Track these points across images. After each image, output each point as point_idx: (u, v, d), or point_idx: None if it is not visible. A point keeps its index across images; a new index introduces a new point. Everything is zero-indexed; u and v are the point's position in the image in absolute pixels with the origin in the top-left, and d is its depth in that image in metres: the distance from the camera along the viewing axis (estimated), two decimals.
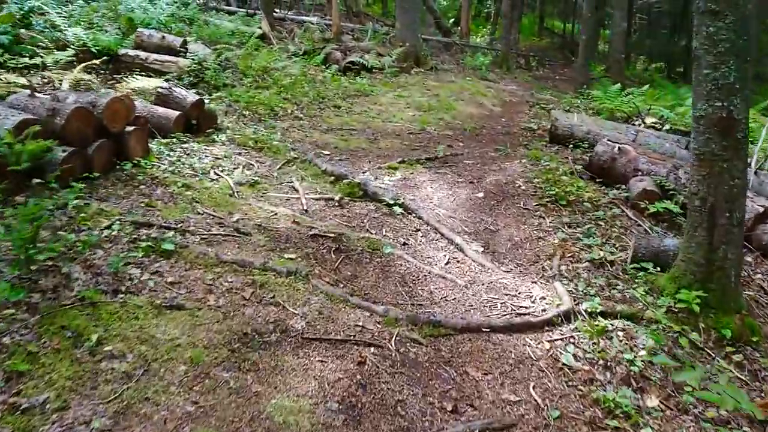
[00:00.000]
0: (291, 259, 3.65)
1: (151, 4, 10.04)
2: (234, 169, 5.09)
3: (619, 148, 5.74)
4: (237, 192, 4.58)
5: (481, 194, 5.28)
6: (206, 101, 6.12)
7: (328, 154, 5.88)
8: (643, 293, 3.75)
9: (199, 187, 4.45)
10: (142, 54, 7.34)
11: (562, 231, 4.63)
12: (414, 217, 4.65)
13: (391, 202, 4.73)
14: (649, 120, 8.83)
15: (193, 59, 7.44)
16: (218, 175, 4.86)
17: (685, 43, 26.48)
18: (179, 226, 3.72)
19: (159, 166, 4.59)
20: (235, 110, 6.72)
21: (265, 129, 6.28)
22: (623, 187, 5.52)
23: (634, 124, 9.17)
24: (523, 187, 5.41)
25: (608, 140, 5.88)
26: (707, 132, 3.47)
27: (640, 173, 5.54)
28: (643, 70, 25.54)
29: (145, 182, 4.26)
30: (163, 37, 7.92)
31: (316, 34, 13.78)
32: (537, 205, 5.08)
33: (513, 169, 5.88)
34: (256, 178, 4.91)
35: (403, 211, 4.67)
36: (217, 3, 14.35)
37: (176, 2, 12.01)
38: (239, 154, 5.45)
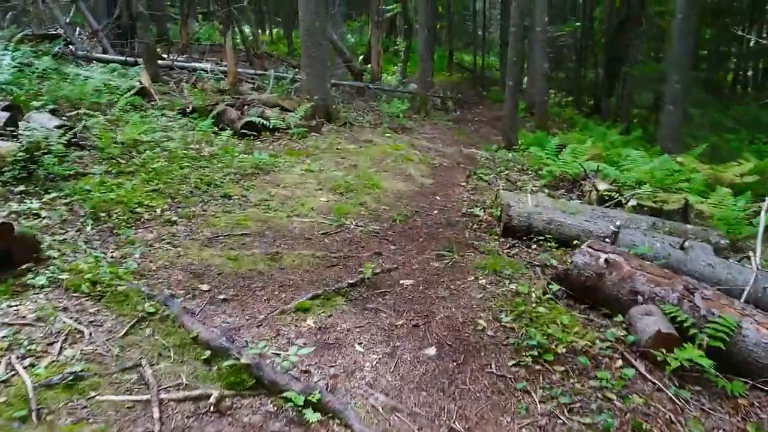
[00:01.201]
0: None
1: None
2: (47, 347, 3.16)
3: (606, 260, 4.25)
4: (37, 410, 2.66)
5: (432, 350, 3.59)
6: (18, 223, 4.15)
7: (207, 291, 4.03)
8: None
9: None
10: None
11: (563, 421, 3.02)
12: (338, 425, 2.88)
13: (301, 398, 2.95)
14: (601, 186, 7.53)
15: (23, 141, 5.41)
16: (12, 368, 2.93)
17: (593, 76, 26.48)
18: None
19: None
20: (78, 218, 4.76)
21: (115, 251, 4.35)
22: (621, 317, 4.02)
23: (583, 189, 7.89)
24: (490, 332, 3.77)
25: (589, 248, 4.37)
26: None
27: (640, 297, 4.05)
28: (555, 104, 25.02)
29: None
30: None
31: (209, 84, 11.88)
32: (515, 366, 3.45)
33: (469, 293, 4.25)
34: (81, 367, 3.00)
35: (320, 417, 2.89)
36: (89, 50, 12.12)
37: (31, 52, 9.81)
38: (64, 310, 3.51)
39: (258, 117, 9.36)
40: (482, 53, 29.18)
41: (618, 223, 4.94)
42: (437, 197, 6.74)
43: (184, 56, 15.02)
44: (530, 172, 8.77)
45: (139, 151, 6.46)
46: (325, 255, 4.79)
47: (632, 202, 6.34)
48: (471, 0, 40.17)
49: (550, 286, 4.34)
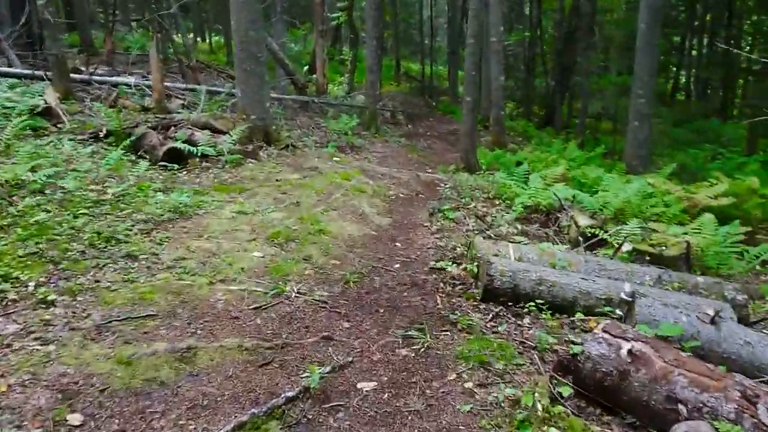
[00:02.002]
0: None
1: None
2: None
3: (630, 351, 3.18)
4: None
5: None
6: None
7: (79, 427, 2.75)
8: None
9: None
10: None
11: None
12: None
13: None
14: (582, 221, 6.56)
15: None
16: None
17: (544, 85, 25.97)
18: None
19: None
20: None
21: None
22: None
23: (560, 224, 6.89)
24: None
25: (606, 332, 3.30)
26: None
27: (682, 407, 3.00)
28: (507, 116, 24.38)
29: None
30: None
31: (132, 101, 10.42)
32: None
33: (452, 404, 3.11)
34: None
35: None
36: None
37: None
38: None
39: (184, 142, 8.03)
40: (430, 62, 28.31)
41: (629, 289, 3.89)
42: (397, 243, 5.58)
43: (108, 68, 13.42)
44: (498, 202, 7.74)
45: (22, 196, 5.07)
46: (256, 346, 3.56)
47: (626, 247, 5.35)
48: (417, 8, 39.50)
49: (558, 388, 3.24)
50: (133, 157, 7.59)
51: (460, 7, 26.01)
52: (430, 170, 11.12)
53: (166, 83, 11.90)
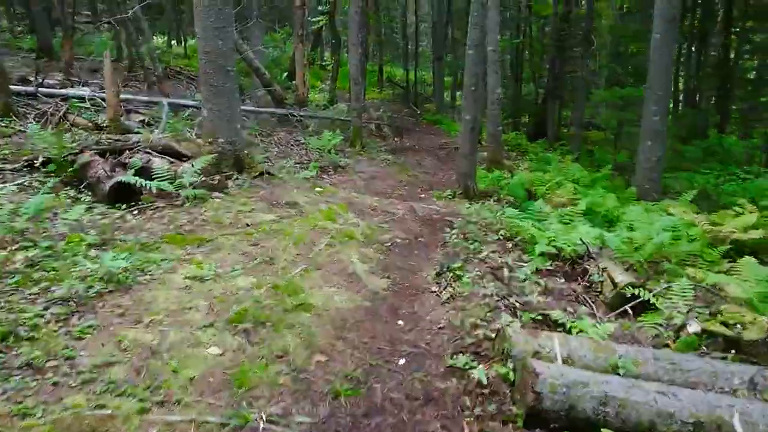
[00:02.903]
0: None
1: None
2: None
3: None
4: None
5: None
6: None
7: None
8: None
9: None
10: None
11: None
12: None
13: None
14: (618, 275, 5.38)
15: None
16: None
17: (533, 94, 24.91)
18: None
19: None
20: None
21: None
22: None
23: (590, 277, 5.69)
24: None
25: None
26: None
27: None
28: None
29: None
30: None
31: (84, 117, 9.03)
32: None
33: None
34: None
35: None
36: None
37: None
38: None
39: (138, 171, 6.69)
40: (414, 68, 27.08)
41: (738, 422, 2.68)
42: (400, 321, 4.30)
43: (63, 77, 11.94)
44: (510, 245, 6.51)
45: None
46: None
47: (694, 327, 4.14)
48: (399, 12, 38.29)
49: None
50: (73, 193, 6.25)
51: (445, 11, 24.83)
52: (423, 195, 9.88)
53: (126, 95, 10.51)
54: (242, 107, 11.81)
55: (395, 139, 14.98)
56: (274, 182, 7.65)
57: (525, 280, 5.47)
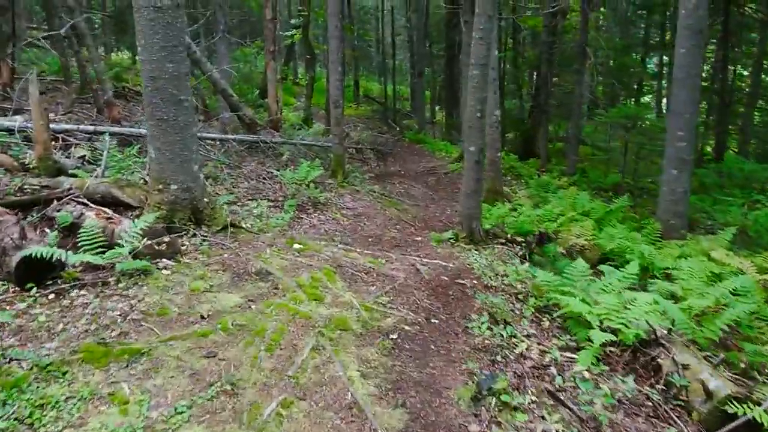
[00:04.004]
0: None
1: None
2: None
3: None
4: None
5: None
6: None
7: None
8: None
9: None
10: None
11: None
12: None
13: None
14: (711, 382, 3.95)
15: None
16: None
17: (516, 108, 23.67)
18: None
19: None
20: None
21: None
22: None
23: (671, 379, 4.25)
24: None
25: None
26: None
27: None
28: None
29: None
30: None
31: (10, 154, 7.39)
32: None
33: None
34: None
35: None
36: None
37: None
38: None
39: (65, 229, 5.11)
40: (393, 83, 25.70)
41: None
42: None
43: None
44: (546, 322, 5.04)
45: None
46: None
47: None
48: (373, 25, 36.98)
49: None
50: None
51: (422, 24, 23.47)
52: (419, 237, 8.37)
53: (67, 125, 8.83)
54: (207, 134, 10.20)
55: (379, 163, 13.48)
56: (242, 238, 6.06)
57: (581, 381, 4.01)
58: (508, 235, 8.41)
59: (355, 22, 28.34)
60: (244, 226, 6.57)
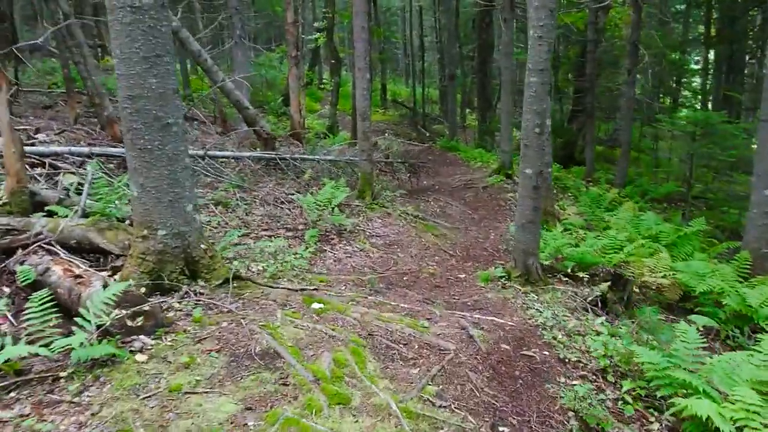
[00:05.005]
0: None
1: None
2: None
3: None
4: None
5: None
6: None
7: None
8: None
9: None
10: None
11: None
12: None
13: None
14: None
15: None
16: None
17: (557, 112, 22.11)
18: None
19: None
20: None
21: None
22: None
23: None
24: None
25: None
26: None
27: None
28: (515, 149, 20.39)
29: None
30: None
31: None
32: None
33: None
34: None
35: None
36: None
37: None
38: None
39: (28, 286, 3.92)
40: (422, 86, 24.32)
41: None
42: None
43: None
44: (653, 420, 3.64)
45: None
46: None
47: None
48: (399, 26, 35.64)
49: None
50: None
51: (453, 24, 21.99)
52: (463, 275, 7.02)
53: (58, 147, 7.69)
54: (218, 153, 8.99)
55: (411, 178, 12.13)
56: (247, 295, 4.78)
57: None
58: (569, 269, 7.01)
59: (381, 24, 27.05)
60: (251, 275, 5.30)
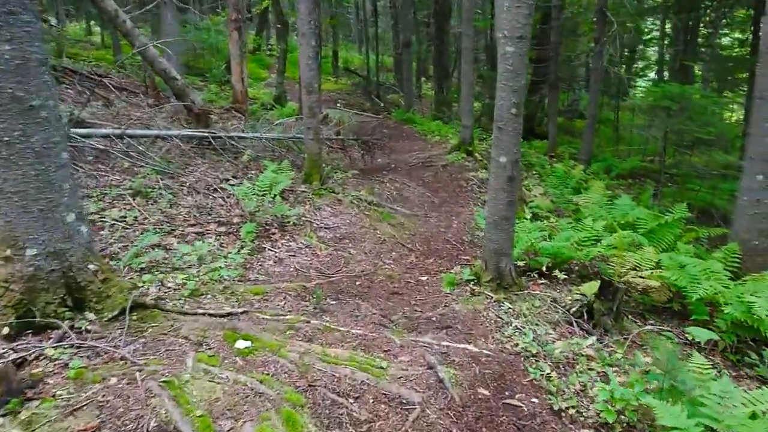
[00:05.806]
0: None
1: None
2: None
3: None
4: None
5: None
6: None
7: None
8: None
9: None
10: None
11: None
12: None
13: None
14: None
15: None
16: None
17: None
18: None
19: None
20: None
21: None
22: None
23: None
24: None
25: None
26: None
27: None
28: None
29: None
30: None
31: None
32: None
33: None
34: None
35: None
36: None
37: None
38: None
39: None
40: (376, 54, 23.00)
41: None
42: None
43: None
44: None
45: None
46: None
47: None
48: None
49: None
50: None
51: None
52: (425, 277, 6.04)
53: None
54: (138, 132, 7.69)
55: (364, 156, 11.00)
56: (150, 332, 3.65)
57: None
58: (543, 267, 6.12)
59: None
60: (161, 298, 4.16)
